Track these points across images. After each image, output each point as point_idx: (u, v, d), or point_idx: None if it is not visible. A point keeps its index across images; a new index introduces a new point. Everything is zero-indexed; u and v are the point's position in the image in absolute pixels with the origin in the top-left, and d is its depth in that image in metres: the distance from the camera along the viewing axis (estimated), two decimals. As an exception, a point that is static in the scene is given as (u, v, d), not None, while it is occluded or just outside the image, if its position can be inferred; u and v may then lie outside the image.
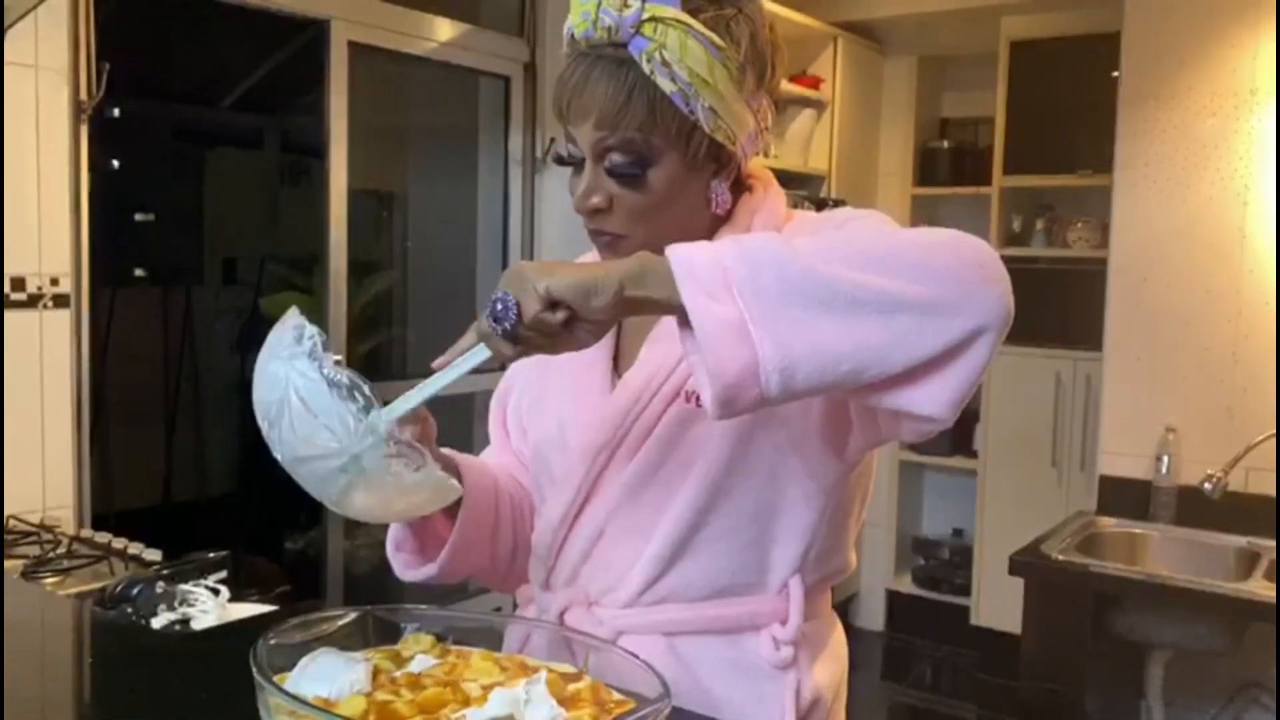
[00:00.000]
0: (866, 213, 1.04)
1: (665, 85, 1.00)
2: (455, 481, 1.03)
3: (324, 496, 0.98)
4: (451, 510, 1.14)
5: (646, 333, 1.13)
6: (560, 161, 1.08)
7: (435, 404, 1.00)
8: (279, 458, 0.97)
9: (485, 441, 1.31)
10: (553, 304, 0.86)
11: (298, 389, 0.93)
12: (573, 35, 1.03)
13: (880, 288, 0.82)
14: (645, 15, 0.99)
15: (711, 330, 0.82)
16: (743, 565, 1.09)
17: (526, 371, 1.23)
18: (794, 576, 1.10)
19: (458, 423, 3.02)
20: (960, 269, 0.84)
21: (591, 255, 1.16)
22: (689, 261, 0.84)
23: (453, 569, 1.16)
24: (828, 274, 0.82)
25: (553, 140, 1.08)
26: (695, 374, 0.85)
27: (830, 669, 1.15)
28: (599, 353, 1.15)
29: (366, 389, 0.94)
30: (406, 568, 1.19)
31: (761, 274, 0.82)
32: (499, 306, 0.87)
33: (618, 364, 1.16)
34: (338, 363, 0.96)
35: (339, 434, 0.92)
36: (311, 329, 0.96)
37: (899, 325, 0.82)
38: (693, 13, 1.01)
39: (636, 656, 0.89)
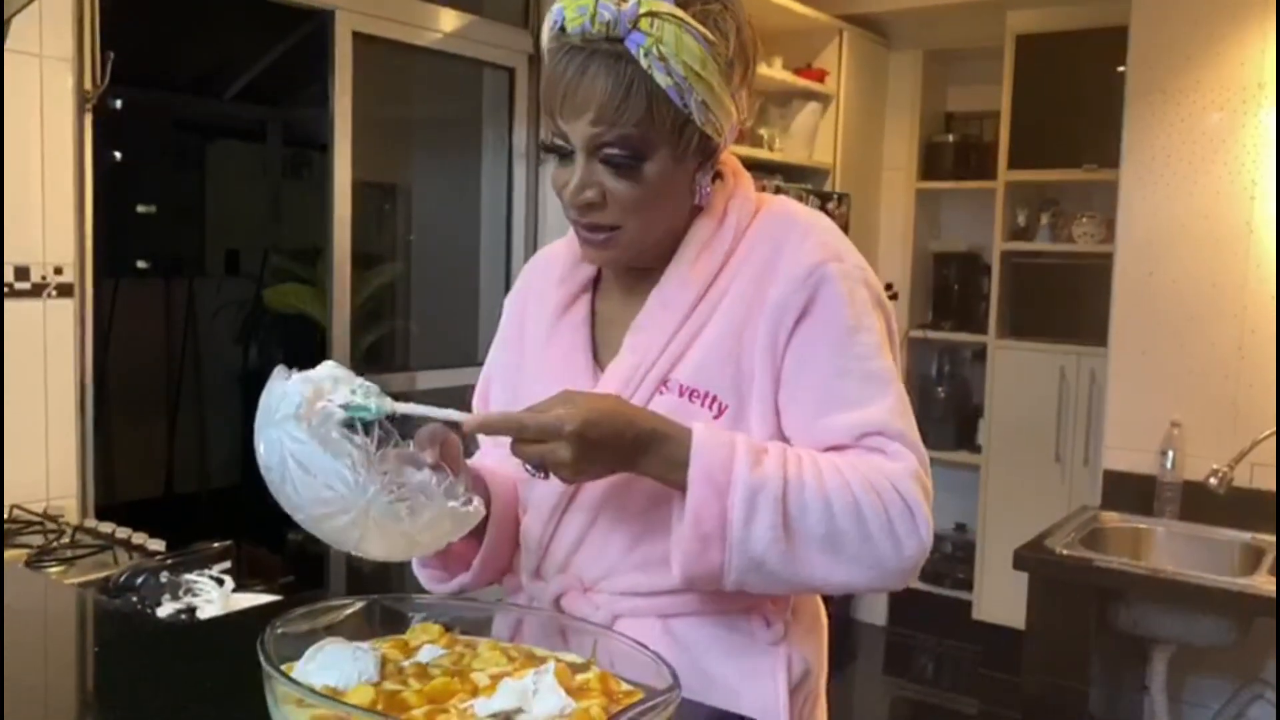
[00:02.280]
0: (870, 346, 1.08)
1: (661, 80, 1.00)
2: (473, 505, 1.00)
3: (346, 548, 0.97)
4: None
5: (627, 321, 1.13)
6: (546, 149, 1.08)
7: (430, 399, 1.01)
8: (299, 521, 0.96)
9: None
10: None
11: (292, 454, 0.92)
12: (563, 28, 1.02)
13: (829, 572, 1.03)
14: (642, 10, 0.99)
15: (693, 570, 1.03)
16: None
17: (504, 363, 1.24)
18: None
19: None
20: (891, 564, 1.07)
21: (570, 237, 1.16)
22: (697, 509, 1.01)
23: (484, 578, 1.18)
24: (795, 566, 1.02)
25: (556, 133, 1.10)
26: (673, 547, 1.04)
27: (816, 638, 1.18)
28: (577, 342, 1.16)
29: (357, 439, 0.94)
30: (435, 581, 1.19)
31: (751, 544, 1.01)
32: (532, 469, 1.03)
33: (596, 353, 1.16)
34: (353, 391, 0.95)
35: (340, 491, 0.91)
36: (293, 385, 0.94)
37: (832, 587, 1.07)
38: (682, 6, 1.02)
39: (646, 647, 0.90)
